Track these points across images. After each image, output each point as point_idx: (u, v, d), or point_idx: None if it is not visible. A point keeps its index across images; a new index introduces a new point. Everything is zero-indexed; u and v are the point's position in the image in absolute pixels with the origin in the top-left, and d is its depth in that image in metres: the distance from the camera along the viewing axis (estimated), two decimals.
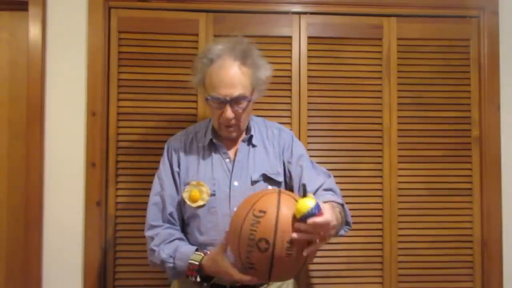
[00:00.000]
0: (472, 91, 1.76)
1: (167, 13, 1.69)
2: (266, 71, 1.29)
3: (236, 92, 1.20)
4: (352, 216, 1.67)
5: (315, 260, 1.67)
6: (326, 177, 1.34)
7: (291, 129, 1.69)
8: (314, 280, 1.69)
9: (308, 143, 1.70)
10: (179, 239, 1.26)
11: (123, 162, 1.66)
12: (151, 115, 1.68)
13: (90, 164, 1.62)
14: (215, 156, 1.30)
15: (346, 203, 1.68)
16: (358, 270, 1.70)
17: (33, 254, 1.59)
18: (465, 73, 1.77)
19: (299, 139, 1.69)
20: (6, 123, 1.69)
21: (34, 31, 1.62)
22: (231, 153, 1.31)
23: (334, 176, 1.68)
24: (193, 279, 1.17)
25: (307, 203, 0.97)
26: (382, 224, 1.71)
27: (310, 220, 0.96)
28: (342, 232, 1.27)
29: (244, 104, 1.23)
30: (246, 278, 1.07)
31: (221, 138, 1.31)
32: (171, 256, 1.20)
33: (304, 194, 1.03)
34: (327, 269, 1.70)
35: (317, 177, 1.32)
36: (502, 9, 1.77)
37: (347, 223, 1.29)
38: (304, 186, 1.07)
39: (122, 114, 1.68)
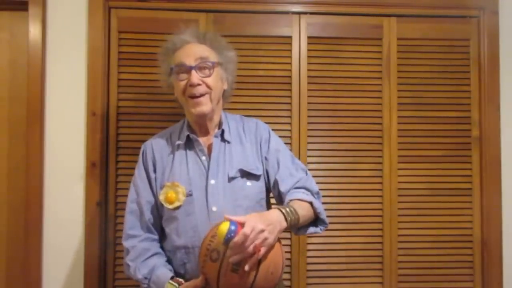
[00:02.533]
0: (472, 91, 1.76)
1: (167, 13, 1.69)
2: (230, 52, 1.30)
3: (199, 57, 1.21)
4: (352, 216, 1.70)
5: (315, 260, 1.68)
6: (302, 174, 1.30)
7: (290, 129, 1.70)
8: (314, 280, 1.69)
9: (308, 143, 1.70)
10: (156, 254, 1.23)
11: (123, 162, 1.66)
12: (151, 115, 1.68)
13: (90, 164, 1.62)
14: (191, 155, 1.25)
15: (346, 203, 1.70)
16: (358, 270, 1.70)
17: (33, 254, 1.59)
18: (465, 73, 1.77)
19: (299, 139, 1.70)
20: (6, 123, 1.69)
21: (34, 31, 1.62)
22: (206, 150, 1.26)
23: (334, 176, 1.71)
24: None
25: (223, 229, 1.00)
26: (382, 224, 1.71)
27: (231, 243, 0.98)
28: (313, 230, 1.23)
29: (209, 68, 1.21)
30: None
31: (196, 133, 1.28)
32: (146, 278, 1.19)
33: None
34: (327, 269, 1.70)
35: (292, 175, 1.28)
36: (502, 9, 1.77)
37: (323, 222, 1.24)
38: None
39: (122, 114, 1.68)
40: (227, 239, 0.99)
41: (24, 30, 1.65)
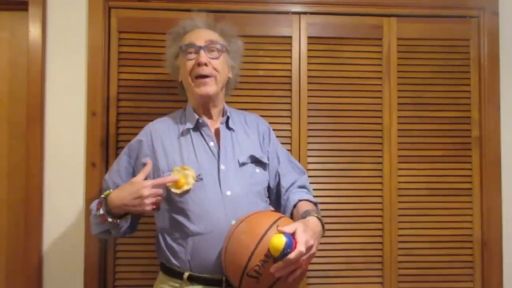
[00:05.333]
0: (472, 91, 1.76)
1: (167, 13, 1.69)
2: (239, 41, 1.35)
3: (209, 39, 1.24)
4: (352, 216, 1.70)
5: (315, 260, 1.67)
6: (301, 174, 1.34)
7: (290, 129, 1.70)
8: (314, 280, 1.69)
9: (308, 143, 1.70)
10: None
11: None
12: (151, 115, 1.67)
13: (90, 164, 1.62)
14: (197, 140, 1.24)
15: (346, 203, 1.70)
16: (358, 270, 1.70)
17: (33, 254, 1.59)
18: (465, 73, 1.77)
19: (299, 139, 1.70)
20: (6, 123, 1.69)
21: (34, 31, 1.62)
22: (213, 135, 1.25)
23: (334, 176, 1.71)
24: (100, 215, 1.17)
25: (279, 244, 0.96)
26: (382, 224, 1.71)
27: (286, 259, 0.96)
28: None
29: (218, 51, 1.24)
30: (159, 181, 1.13)
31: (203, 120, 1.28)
32: (91, 208, 1.22)
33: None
34: (327, 269, 1.70)
35: (292, 172, 1.32)
36: (502, 9, 1.77)
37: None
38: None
39: (122, 114, 1.68)
40: (284, 255, 0.96)
41: (24, 30, 1.65)
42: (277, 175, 1.31)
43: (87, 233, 1.61)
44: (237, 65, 1.35)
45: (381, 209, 1.71)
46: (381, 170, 1.72)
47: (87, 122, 1.63)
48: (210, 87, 1.22)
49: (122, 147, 1.64)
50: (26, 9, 1.62)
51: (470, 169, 1.76)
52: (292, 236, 0.99)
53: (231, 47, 1.31)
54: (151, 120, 1.65)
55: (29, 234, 1.59)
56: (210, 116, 1.29)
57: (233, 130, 1.29)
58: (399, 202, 1.72)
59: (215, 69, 1.23)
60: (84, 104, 1.64)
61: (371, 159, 1.73)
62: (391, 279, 1.70)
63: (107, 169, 1.65)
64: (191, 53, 1.23)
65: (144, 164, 1.22)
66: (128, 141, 1.64)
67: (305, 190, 1.29)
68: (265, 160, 1.29)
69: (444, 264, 1.72)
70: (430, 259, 1.72)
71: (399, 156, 1.73)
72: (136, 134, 1.64)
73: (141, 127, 1.65)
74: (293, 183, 1.29)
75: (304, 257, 1.00)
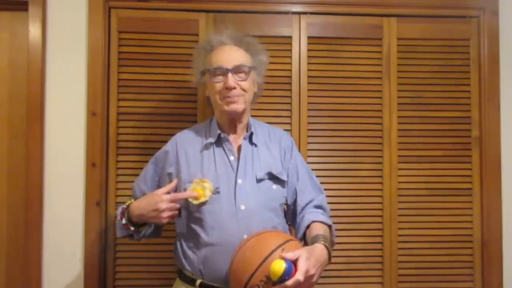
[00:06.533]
0: (472, 91, 1.76)
1: (167, 13, 1.69)
2: (264, 56, 1.35)
3: (237, 62, 1.24)
4: (352, 216, 1.70)
5: None
6: (318, 193, 1.35)
7: (290, 129, 1.70)
8: None
9: (308, 143, 1.70)
10: None
11: (123, 162, 1.66)
12: (151, 115, 1.68)
13: (90, 164, 1.62)
14: (219, 154, 1.28)
15: (346, 203, 1.70)
16: (358, 270, 1.70)
17: (33, 254, 1.59)
18: (465, 73, 1.77)
19: (299, 139, 1.70)
20: (6, 123, 1.69)
21: (34, 31, 1.62)
22: (235, 150, 1.29)
23: (334, 176, 1.71)
24: (122, 224, 1.23)
25: (278, 269, 0.98)
26: (382, 224, 1.71)
27: (282, 286, 0.98)
28: None
29: (245, 73, 1.25)
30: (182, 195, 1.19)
31: (226, 133, 1.30)
32: (116, 209, 1.27)
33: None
34: (327, 269, 1.67)
35: (310, 190, 1.33)
36: (502, 9, 1.77)
37: (331, 243, 1.27)
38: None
39: (122, 114, 1.68)
40: (281, 280, 0.98)
41: (24, 30, 1.65)
42: (295, 192, 1.31)
43: (87, 233, 1.61)
44: (262, 79, 1.36)
45: (381, 209, 1.71)
46: (381, 170, 1.72)
47: (87, 122, 1.63)
48: (238, 105, 1.25)
49: (122, 147, 1.66)
50: (26, 9, 1.62)
51: (470, 169, 1.76)
52: (294, 263, 1.01)
53: (256, 63, 1.31)
54: (151, 120, 1.67)
55: (29, 234, 1.59)
56: (235, 131, 1.31)
57: (256, 145, 1.31)
58: (399, 202, 1.72)
59: (243, 89, 1.25)
60: (84, 104, 1.64)
61: (371, 159, 1.73)
62: (391, 279, 1.70)
63: (107, 169, 1.65)
64: (219, 75, 1.25)
65: (169, 174, 1.28)
66: (128, 141, 1.67)
67: (321, 210, 1.30)
68: (283, 177, 1.29)
69: (444, 264, 1.72)
70: (430, 259, 1.72)
71: (399, 156, 1.73)
72: (136, 134, 1.66)
73: (141, 127, 1.67)
74: (309, 202, 1.30)
75: (305, 286, 1.01)
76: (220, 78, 1.24)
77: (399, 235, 1.71)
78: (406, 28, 1.75)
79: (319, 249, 1.10)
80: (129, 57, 1.68)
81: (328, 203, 1.67)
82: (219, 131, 1.28)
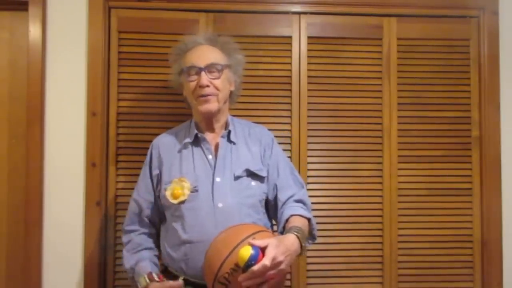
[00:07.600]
0: (472, 91, 1.76)
1: (167, 13, 1.69)
2: (239, 55, 1.36)
3: (210, 60, 1.26)
4: (352, 216, 1.70)
5: (315, 260, 1.68)
6: (299, 187, 1.35)
7: (290, 129, 1.70)
8: (314, 280, 1.69)
9: (308, 143, 1.70)
10: (147, 249, 1.30)
11: (123, 162, 1.66)
12: (151, 115, 1.68)
13: (90, 164, 1.62)
14: (197, 153, 1.30)
15: (346, 203, 1.70)
16: (358, 270, 1.70)
17: (33, 254, 1.59)
18: (465, 73, 1.77)
19: (299, 139, 1.70)
20: (6, 123, 1.69)
21: (34, 31, 1.61)
22: (212, 149, 1.30)
23: (334, 176, 1.71)
24: (129, 276, 1.27)
25: (245, 254, 0.99)
26: (382, 224, 1.71)
27: (250, 270, 0.99)
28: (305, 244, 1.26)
29: (218, 71, 1.27)
30: None
31: (203, 133, 1.32)
32: (132, 268, 1.26)
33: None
34: (327, 269, 1.70)
35: (291, 185, 1.33)
36: (502, 9, 1.77)
37: (313, 236, 1.30)
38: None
39: (122, 114, 1.68)
40: (248, 266, 0.99)
41: (24, 30, 1.65)
42: (275, 188, 1.32)
43: (87, 233, 1.61)
44: (239, 78, 1.38)
45: (381, 209, 1.71)
46: (381, 170, 1.72)
47: (87, 122, 1.63)
48: (212, 105, 1.27)
49: (122, 147, 1.66)
50: (26, 9, 1.62)
51: (470, 169, 1.76)
52: (262, 250, 1.01)
53: (231, 61, 1.33)
54: (151, 120, 1.67)
55: (29, 234, 1.59)
56: (212, 130, 1.33)
57: (234, 143, 1.32)
58: (399, 202, 1.72)
59: (216, 88, 1.27)
60: (84, 104, 1.64)
61: (371, 159, 1.73)
62: (391, 279, 1.70)
63: (107, 169, 1.65)
64: (192, 74, 1.27)
65: (156, 175, 1.31)
66: (128, 141, 1.67)
67: (301, 204, 1.30)
68: (262, 173, 1.30)
69: (444, 264, 1.72)
70: (430, 259, 1.72)
71: (399, 156, 1.73)
72: (136, 134, 1.66)
73: (141, 127, 1.67)
74: (290, 197, 1.30)
75: (271, 272, 1.02)
76: (194, 77, 1.27)
77: (399, 235, 1.71)
78: (406, 28, 1.75)
79: (290, 238, 1.12)
80: (129, 57, 1.68)
81: (328, 203, 1.69)
82: (196, 131, 1.31)
